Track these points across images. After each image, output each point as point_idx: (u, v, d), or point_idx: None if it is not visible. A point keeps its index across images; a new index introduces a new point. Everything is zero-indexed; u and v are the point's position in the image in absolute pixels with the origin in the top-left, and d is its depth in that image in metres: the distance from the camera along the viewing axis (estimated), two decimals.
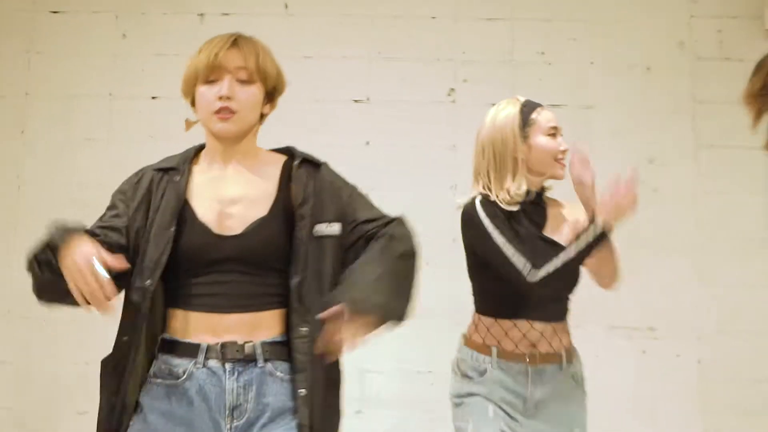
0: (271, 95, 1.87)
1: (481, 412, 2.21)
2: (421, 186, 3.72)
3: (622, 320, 3.76)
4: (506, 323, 2.21)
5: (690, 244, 3.86)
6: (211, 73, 1.77)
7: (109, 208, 1.83)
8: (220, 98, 1.75)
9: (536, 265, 2.08)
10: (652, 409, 3.73)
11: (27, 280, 1.69)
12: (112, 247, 1.66)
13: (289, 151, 1.91)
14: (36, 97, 3.95)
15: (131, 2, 4.00)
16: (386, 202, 1.93)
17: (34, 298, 1.72)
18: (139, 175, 1.85)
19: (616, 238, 2.23)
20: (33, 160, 3.85)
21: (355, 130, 3.81)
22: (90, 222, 1.79)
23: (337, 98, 3.82)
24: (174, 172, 1.83)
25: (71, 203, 3.64)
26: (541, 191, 2.34)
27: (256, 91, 1.80)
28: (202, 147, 1.90)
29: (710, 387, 3.74)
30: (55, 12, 4.00)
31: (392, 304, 1.68)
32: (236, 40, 1.80)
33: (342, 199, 1.85)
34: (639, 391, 3.73)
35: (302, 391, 1.67)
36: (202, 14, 3.93)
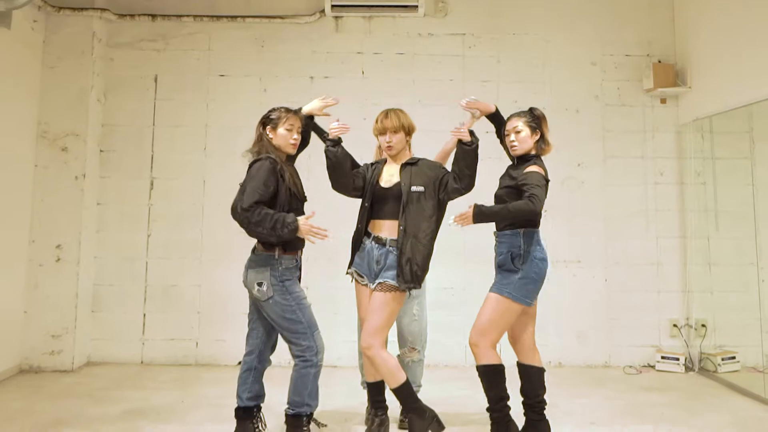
0: (409, 134, 3.98)
1: None
2: None
3: (561, 256, 6.13)
4: None
5: (600, 214, 6.14)
6: (381, 130, 3.96)
7: (360, 168, 3.96)
8: (387, 142, 3.92)
9: None
10: (578, 307, 6.15)
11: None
12: (359, 178, 3.87)
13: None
14: (212, 128, 6.08)
15: (269, 69, 6.15)
16: None
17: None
18: (368, 165, 3.97)
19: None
20: (213, 167, 6.10)
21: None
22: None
23: None
24: (378, 164, 3.99)
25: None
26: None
27: (401, 137, 3.93)
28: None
29: (611, 295, 6.15)
30: (222, 75, 6.15)
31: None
32: (388, 113, 3.96)
33: (427, 175, 3.87)
34: (569, 298, 6.16)
35: (400, 257, 3.70)
36: (312, 77, 6.12)
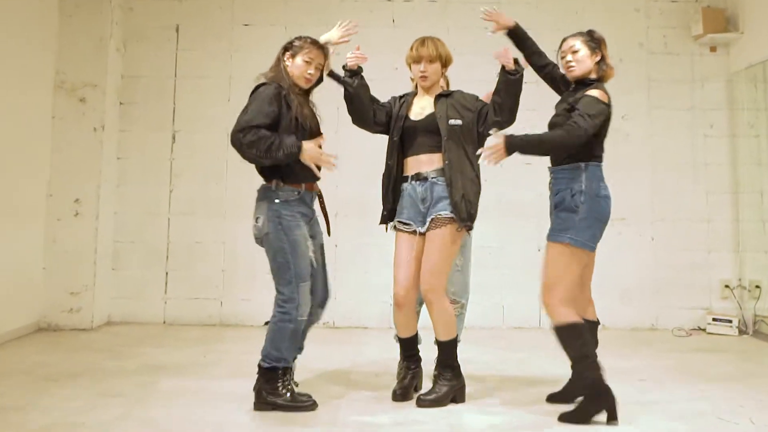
0: (445, 65, 3.59)
1: None
2: None
3: None
4: None
5: (646, 168, 5.78)
6: (415, 58, 3.56)
7: (383, 102, 3.59)
8: (422, 71, 3.53)
9: None
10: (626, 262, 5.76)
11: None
12: (381, 112, 3.52)
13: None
14: (237, 80, 5.75)
15: (295, 19, 5.83)
16: None
17: None
18: (396, 98, 3.63)
19: None
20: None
21: None
22: None
23: None
24: (407, 96, 3.64)
25: None
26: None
27: (437, 67, 3.52)
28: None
29: (658, 254, 5.77)
30: (246, 25, 5.84)
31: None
32: (424, 40, 3.58)
33: (464, 107, 3.47)
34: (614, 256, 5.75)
35: (452, 192, 3.31)
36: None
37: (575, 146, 3.10)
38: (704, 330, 5.50)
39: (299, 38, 3.44)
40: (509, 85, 3.37)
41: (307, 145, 3.13)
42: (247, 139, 3.06)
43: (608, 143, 5.51)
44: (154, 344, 4.79)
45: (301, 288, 3.20)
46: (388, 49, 5.74)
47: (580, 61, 3.35)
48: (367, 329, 5.50)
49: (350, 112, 3.56)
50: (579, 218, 3.13)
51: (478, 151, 3.22)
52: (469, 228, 3.40)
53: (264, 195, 3.25)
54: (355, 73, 3.51)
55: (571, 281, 3.14)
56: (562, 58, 3.43)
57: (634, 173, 5.73)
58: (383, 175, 3.56)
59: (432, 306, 3.33)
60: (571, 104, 3.25)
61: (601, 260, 5.40)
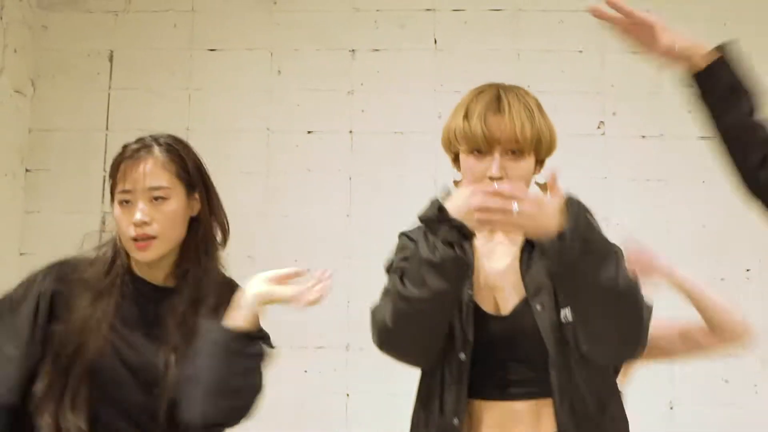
0: (542, 159, 1.68)
1: None
2: None
3: None
4: None
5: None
6: (479, 145, 1.58)
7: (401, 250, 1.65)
8: (493, 178, 1.54)
9: None
10: None
11: None
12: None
13: None
14: (195, 131, 3.94)
15: (285, 39, 3.99)
16: None
17: None
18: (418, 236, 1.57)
19: None
20: None
21: None
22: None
23: None
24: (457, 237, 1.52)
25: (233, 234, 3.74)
26: None
27: (526, 165, 1.60)
28: None
29: None
30: (212, 50, 4.04)
31: None
32: (499, 94, 1.64)
33: None
34: None
35: None
36: (353, 50, 3.95)
37: None
38: None
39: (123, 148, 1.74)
40: (566, 267, 1.41)
41: None
42: None
43: None
44: None
45: None
46: (426, 84, 3.94)
47: None
48: None
49: (405, 326, 1.48)
50: None
51: None
52: None
53: None
54: (467, 236, 1.47)
55: None
56: None
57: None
58: None
59: None
60: None
61: None
